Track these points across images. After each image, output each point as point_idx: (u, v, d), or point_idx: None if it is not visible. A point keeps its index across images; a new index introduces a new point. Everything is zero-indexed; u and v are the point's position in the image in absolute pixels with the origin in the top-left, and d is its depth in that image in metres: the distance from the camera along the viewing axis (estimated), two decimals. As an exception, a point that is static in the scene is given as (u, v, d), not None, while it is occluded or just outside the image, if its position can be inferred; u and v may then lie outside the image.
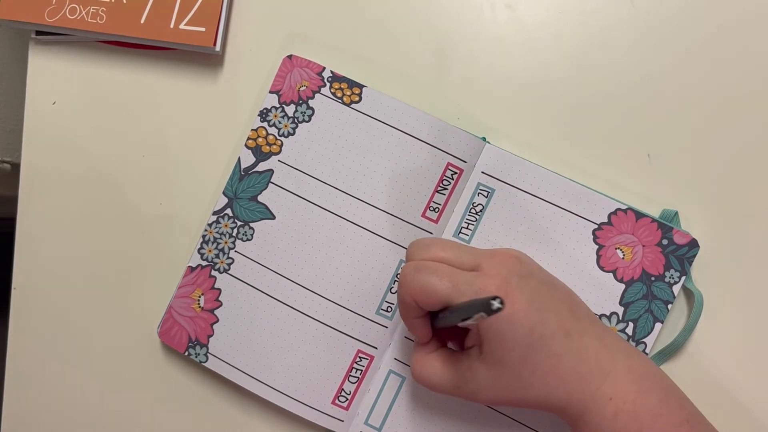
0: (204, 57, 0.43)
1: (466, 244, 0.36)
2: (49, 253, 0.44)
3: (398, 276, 0.40)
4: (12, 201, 0.45)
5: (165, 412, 0.43)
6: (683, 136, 0.40)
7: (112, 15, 0.42)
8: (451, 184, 0.40)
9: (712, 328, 0.40)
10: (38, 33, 0.44)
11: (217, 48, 0.42)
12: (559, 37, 0.41)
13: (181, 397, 0.43)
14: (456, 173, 0.40)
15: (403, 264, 0.40)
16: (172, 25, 0.41)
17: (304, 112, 0.41)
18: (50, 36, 0.44)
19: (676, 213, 0.39)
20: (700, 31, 0.40)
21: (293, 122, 0.41)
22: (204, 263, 0.41)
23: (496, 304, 0.26)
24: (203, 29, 0.41)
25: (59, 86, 0.44)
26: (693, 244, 0.38)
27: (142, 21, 0.41)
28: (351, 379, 0.40)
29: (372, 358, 0.40)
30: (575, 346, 0.32)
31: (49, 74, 0.44)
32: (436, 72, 0.42)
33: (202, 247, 0.41)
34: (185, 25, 0.40)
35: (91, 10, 0.41)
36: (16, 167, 0.53)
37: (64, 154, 0.44)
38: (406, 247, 0.39)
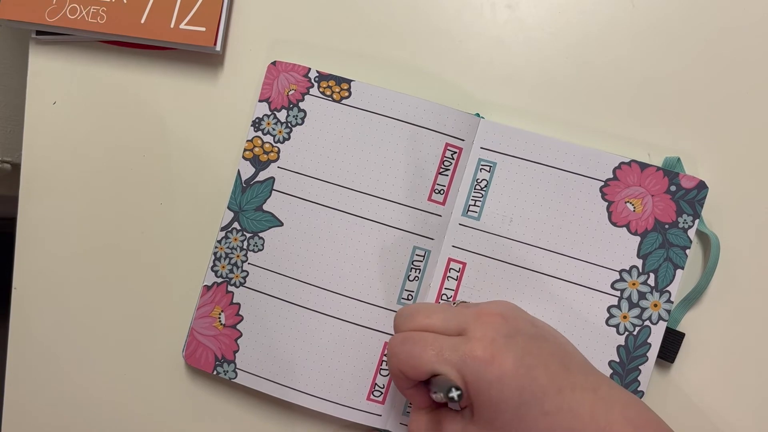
0: (204, 57, 0.43)
1: (450, 305, 0.35)
2: (49, 253, 0.44)
3: (414, 264, 0.40)
4: (12, 201, 0.45)
5: (162, 410, 0.43)
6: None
7: (112, 15, 0.42)
8: (453, 164, 0.40)
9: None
10: (39, 33, 0.44)
11: (218, 48, 0.42)
12: (559, 37, 0.41)
13: (180, 396, 0.43)
14: (456, 152, 0.40)
15: (417, 250, 0.40)
16: (172, 25, 0.41)
17: (296, 116, 0.41)
18: (51, 36, 0.44)
19: (679, 159, 0.39)
20: (700, 31, 0.40)
21: (287, 127, 0.41)
22: (219, 280, 0.41)
23: (454, 393, 0.28)
24: (203, 29, 0.41)
25: (60, 86, 0.44)
26: (701, 186, 0.38)
27: (143, 21, 0.41)
28: (383, 372, 0.40)
29: (400, 348, 0.40)
30: (568, 402, 0.31)
31: (49, 74, 0.44)
32: (440, 68, 0.42)
33: (215, 265, 0.41)
34: (185, 24, 0.41)
35: (92, 9, 0.41)
36: (16, 167, 0.53)
37: (64, 154, 0.44)
38: (418, 233, 0.39)
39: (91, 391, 0.44)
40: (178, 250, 0.43)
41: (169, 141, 0.43)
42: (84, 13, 0.41)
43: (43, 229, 0.44)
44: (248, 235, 0.41)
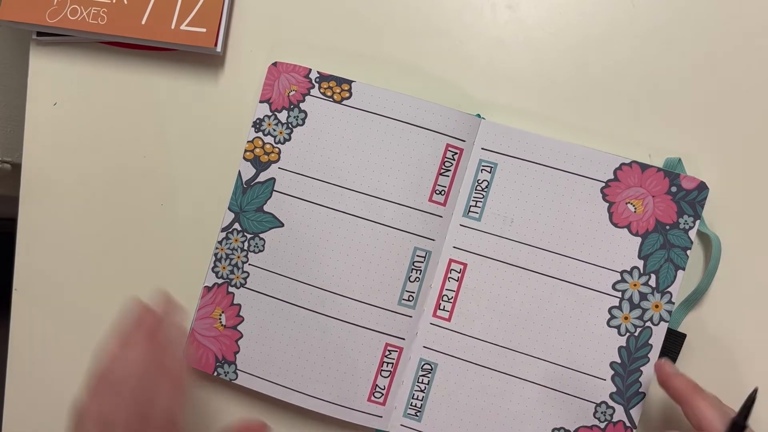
0: (205, 57, 0.43)
1: None
2: (49, 253, 0.44)
3: (415, 265, 0.39)
4: (12, 201, 0.45)
5: None
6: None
7: (113, 16, 0.42)
8: (453, 165, 0.40)
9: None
10: (39, 34, 0.44)
11: (218, 48, 0.42)
12: (560, 38, 0.41)
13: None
14: (456, 153, 0.40)
15: (417, 251, 0.39)
16: (173, 26, 0.41)
17: (297, 116, 0.41)
18: (51, 37, 0.44)
19: (680, 159, 0.39)
20: (699, 31, 0.40)
21: (287, 128, 0.41)
22: (220, 281, 0.41)
23: None
24: (204, 30, 0.41)
25: (60, 87, 0.45)
26: (702, 187, 0.38)
27: (143, 22, 0.41)
28: (383, 373, 0.39)
29: (401, 349, 0.40)
30: None
31: (49, 75, 0.45)
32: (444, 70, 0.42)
33: (215, 266, 0.41)
34: (186, 25, 0.41)
35: (92, 11, 0.42)
36: (16, 167, 0.53)
37: (64, 155, 0.44)
38: (419, 234, 0.39)
39: (91, 393, 0.44)
40: (178, 250, 0.43)
41: (170, 142, 0.43)
42: (84, 14, 0.41)
43: (43, 229, 0.44)
44: (249, 236, 0.41)
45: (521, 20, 0.41)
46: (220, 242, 0.41)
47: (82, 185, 0.44)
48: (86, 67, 0.44)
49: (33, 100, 0.45)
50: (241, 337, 0.40)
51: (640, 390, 0.38)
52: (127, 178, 0.44)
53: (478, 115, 0.40)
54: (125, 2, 0.42)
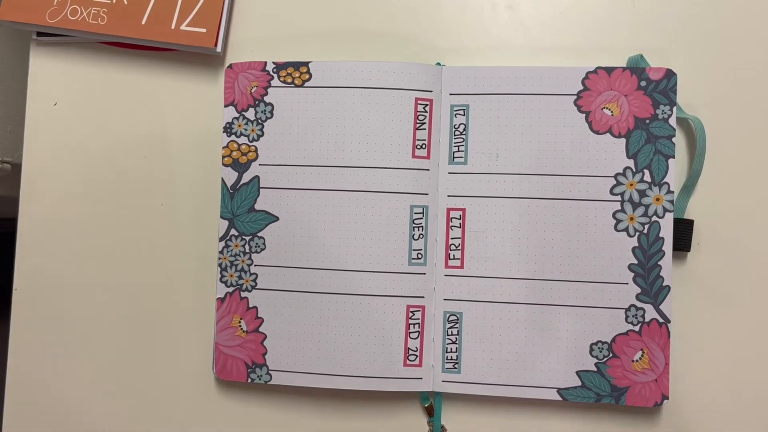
0: (205, 58, 0.44)
1: None
2: (50, 253, 0.44)
3: (415, 223, 0.40)
4: (13, 201, 0.45)
5: (163, 413, 0.43)
6: None
7: (113, 16, 0.42)
8: (427, 117, 0.40)
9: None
10: (39, 34, 0.44)
11: (218, 49, 0.42)
12: (560, 38, 0.42)
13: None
14: (427, 105, 0.40)
15: (415, 208, 0.40)
16: (173, 26, 0.42)
17: (264, 110, 0.41)
18: (51, 37, 0.44)
19: (641, 55, 0.40)
20: (699, 32, 0.41)
21: (258, 124, 0.41)
22: (231, 289, 0.41)
23: None
24: (204, 30, 0.42)
25: (60, 87, 0.45)
26: (670, 74, 0.38)
27: (143, 22, 0.42)
28: (412, 335, 0.39)
29: (423, 308, 0.40)
30: None
31: (50, 75, 0.45)
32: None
33: (222, 276, 0.41)
34: (186, 26, 0.41)
35: (92, 11, 0.42)
36: (16, 167, 0.53)
37: (65, 155, 0.44)
38: (411, 192, 0.39)
39: (90, 392, 0.43)
40: (179, 249, 0.43)
41: (170, 141, 0.44)
42: (85, 14, 0.42)
43: (43, 230, 0.44)
44: (247, 238, 0.41)
45: (521, 20, 0.42)
46: (221, 251, 0.41)
47: (82, 185, 0.44)
48: (86, 67, 0.44)
49: (33, 100, 0.45)
50: (266, 338, 0.40)
51: (664, 284, 0.38)
52: (127, 178, 0.44)
53: (438, 64, 0.41)
54: (125, 2, 0.42)
